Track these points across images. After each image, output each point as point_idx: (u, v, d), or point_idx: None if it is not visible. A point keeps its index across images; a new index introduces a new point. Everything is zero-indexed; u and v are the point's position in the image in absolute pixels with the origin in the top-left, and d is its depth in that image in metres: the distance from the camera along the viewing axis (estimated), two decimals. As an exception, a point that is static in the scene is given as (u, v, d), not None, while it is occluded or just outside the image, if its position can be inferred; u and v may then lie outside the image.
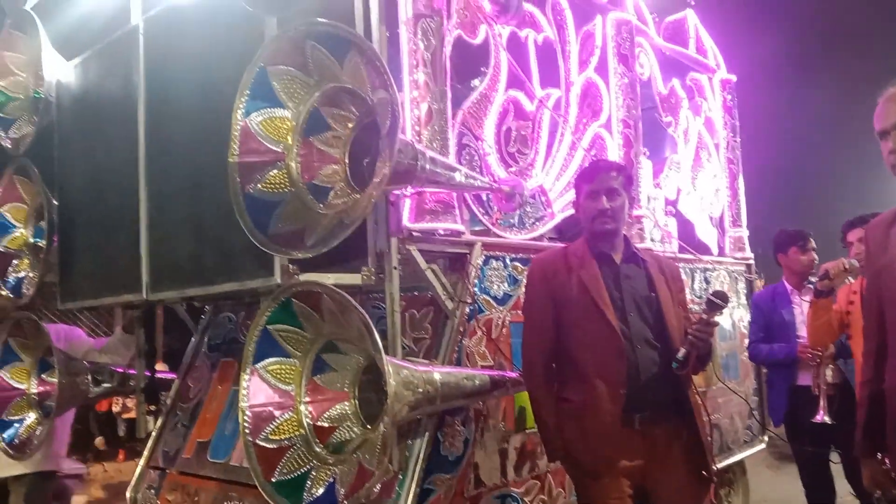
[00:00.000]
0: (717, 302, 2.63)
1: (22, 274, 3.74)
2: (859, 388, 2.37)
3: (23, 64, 3.75)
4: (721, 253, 4.98)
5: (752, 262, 5.17)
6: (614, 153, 4.00)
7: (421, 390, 2.46)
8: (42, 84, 3.57)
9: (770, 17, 9.28)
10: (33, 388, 3.72)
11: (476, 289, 3.10)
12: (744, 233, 5.16)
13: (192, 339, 3.90)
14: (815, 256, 4.27)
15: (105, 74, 3.35)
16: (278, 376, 2.50)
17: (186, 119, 2.89)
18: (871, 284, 2.34)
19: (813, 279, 3.98)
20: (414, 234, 2.90)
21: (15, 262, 3.79)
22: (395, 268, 2.79)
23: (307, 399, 2.49)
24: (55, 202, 3.59)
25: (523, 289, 3.28)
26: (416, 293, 3.15)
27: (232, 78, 2.54)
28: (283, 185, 2.52)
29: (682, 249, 4.41)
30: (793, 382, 4.13)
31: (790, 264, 4.30)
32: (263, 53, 2.47)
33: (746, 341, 4.90)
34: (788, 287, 4.30)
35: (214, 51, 2.79)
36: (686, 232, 4.62)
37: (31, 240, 3.78)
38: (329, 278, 2.62)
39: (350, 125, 2.61)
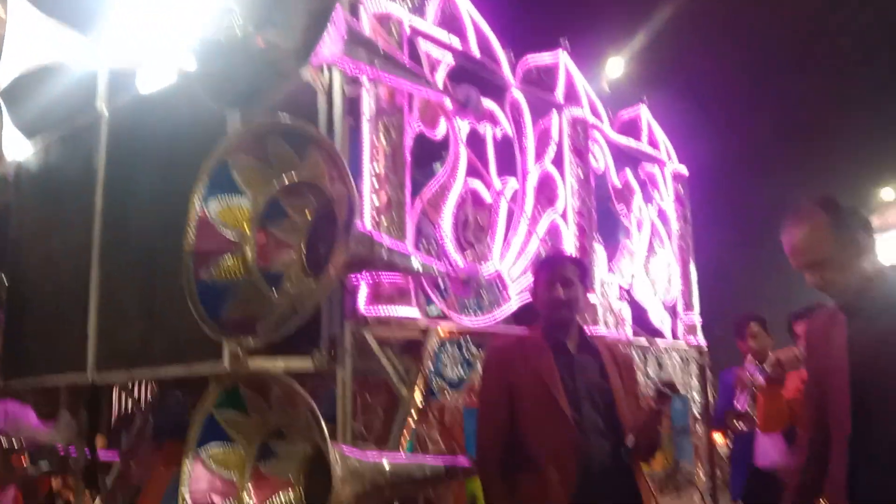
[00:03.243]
0: (665, 392, 2.69)
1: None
2: (791, 475, 2.43)
3: (-17, 146, 3.79)
4: (674, 338, 5.07)
5: (704, 346, 5.27)
6: (570, 241, 4.13)
7: (369, 480, 2.44)
8: (2, 164, 3.61)
9: (723, 114, 9.77)
10: (-34, 466, 3.59)
11: (430, 373, 3.12)
12: (696, 318, 5.28)
13: (137, 418, 3.82)
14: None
15: (66, 159, 3.41)
16: (221, 463, 2.47)
17: (145, 205, 2.95)
18: (811, 380, 2.43)
19: (767, 367, 4.09)
20: (369, 318, 2.94)
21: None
22: (348, 352, 2.82)
23: (250, 486, 2.45)
24: (4, 280, 3.58)
25: (478, 373, 3.31)
26: (368, 377, 3.15)
27: (192, 167, 2.61)
28: (237, 272, 2.56)
29: (635, 334, 4.49)
30: (750, 461, 4.20)
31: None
32: (226, 145, 2.56)
33: (699, 425, 4.97)
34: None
35: (177, 141, 2.87)
36: (640, 317, 4.72)
37: (-22, 317, 3.73)
38: (279, 363, 2.64)
39: (308, 214, 2.68)
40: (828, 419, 2.25)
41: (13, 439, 3.63)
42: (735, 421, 4.02)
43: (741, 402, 4.14)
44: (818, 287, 2.27)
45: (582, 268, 2.97)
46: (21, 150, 3.66)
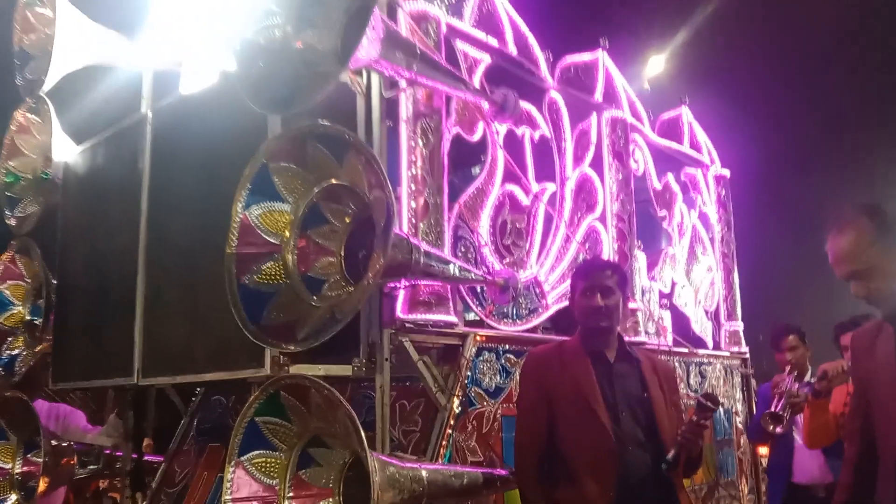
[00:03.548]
0: (707, 405, 2.62)
1: (16, 351, 3.75)
2: (836, 491, 2.36)
3: (33, 146, 3.87)
4: (716, 347, 4.97)
5: (747, 356, 5.16)
6: (608, 246, 4.06)
7: (407, 489, 2.42)
8: (50, 166, 3.68)
9: (765, 114, 9.55)
10: (17, 467, 3.66)
11: (468, 381, 3.10)
12: (739, 326, 5.16)
13: (181, 422, 3.86)
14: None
15: (112, 160, 3.45)
16: (263, 470, 2.47)
17: (188, 208, 2.97)
18: (857, 394, 2.35)
19: (812, 379, 3.98)
20: (407, 325, 2.92)
21: (10, 339, 3.81)
22: (387, 359, 2.81)
23: (291, 494, 2.46)
24: (54, 282, 3.64)
25: (516, 381, 3.27)
26: (408, 383, 3.14)
27: (234, 170, 2.62)
28: (278, 277, 2.56)
29: (676, 343, 4.41)
30: (789, 479, 4.09)
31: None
32: (266, 149, 2.56)
33: (743, 437, 4.85)
34: None
35: (219, 143, 2.88)
36: (681, 325, 4.63)
37: (28, 318, 3.81)
38: (319, 370, 2.64)
39: (347, 219, 2.67)
40: (875, 436, 2.18)
41: (63, 441, 3.70)
42: (771, 426, 3.90)
43: (778, 407, 4.02)
44: (864, 297, 2.21)
45: (622, 275, 2.91)
46: (68, 152, 3.72)
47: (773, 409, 3.92)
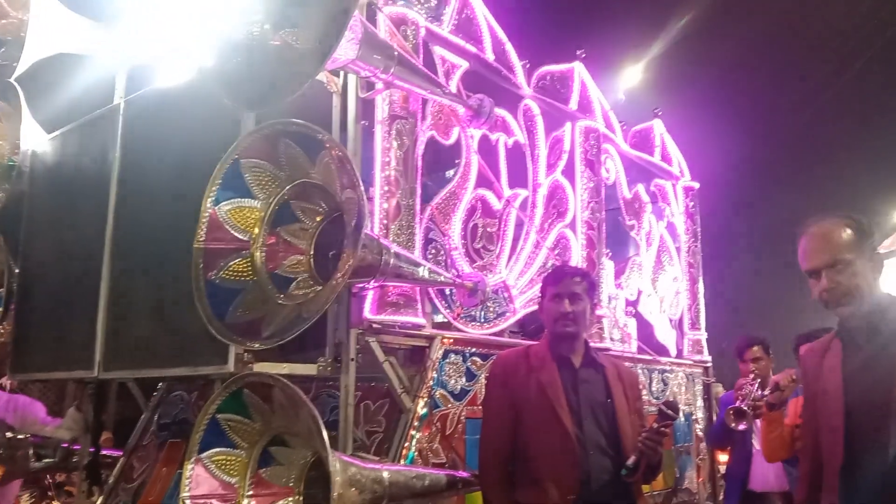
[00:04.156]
0: (668, 412, 2.67)
1: (-28, 340, 3.68)
2: None
3: (1, 132, 3.80)
4: (679, 355, 5.05)
5: (709, 364, 5.25)
6: (577, 253, 4.11)
7: (368, 489, 2.43)
8: (18, 153, 3.62)
9: (735, 126, 9.72)
10: (-30, 459, 3.58)
11: (433, 383, 3.11)
12: (702, 336, 5.25)
13: (142, 416, 3.82)
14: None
15: (82, 150, 3.41)
16: (223, 467, 2.46)
17: (157, 202, 2.94)
18: (806, 408, 2.40)
19: (765, 392, 4.05)
20: (374, 325, 2.93)
21: (-33, 327, 3.73)
22: (353, 359, 2.81)
23: (251, 493, 2.45)
24: (17, 271, 3.57)
25: (481, 384, 3.30)
26: (373, 384, 3.14)
27: (205, 165, 2.61)
28: (245, 274, 2.55)
29: (640, 350, 4.47)
30: (745, 487, 4.16)
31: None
32: (238, 146, 2.55)
33: (703, 445, 4.93)
34: None
35: (191, 138, 2.86)
36: (645, 332, 4.70)
37: (-13, 306, 3.74)
38: (284, 368, 2.63)
39: (318, 219, 2.67)
40: (821, 450, 2.22)
41: (20, 433, 3.63)
42: (734, 422, 3.96)
43: (742, 404, 4.08)
44: (828, 293, 2.16)
45: (590, 282, 2.96)
46: (37, 140, 3.66)
47: (739, 405, 3.98)
